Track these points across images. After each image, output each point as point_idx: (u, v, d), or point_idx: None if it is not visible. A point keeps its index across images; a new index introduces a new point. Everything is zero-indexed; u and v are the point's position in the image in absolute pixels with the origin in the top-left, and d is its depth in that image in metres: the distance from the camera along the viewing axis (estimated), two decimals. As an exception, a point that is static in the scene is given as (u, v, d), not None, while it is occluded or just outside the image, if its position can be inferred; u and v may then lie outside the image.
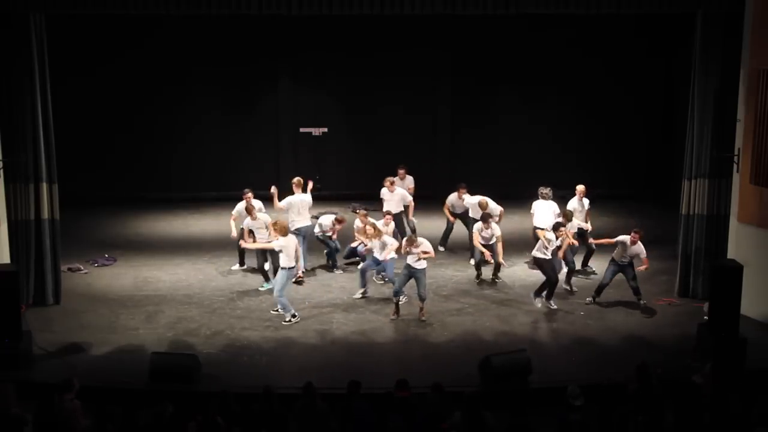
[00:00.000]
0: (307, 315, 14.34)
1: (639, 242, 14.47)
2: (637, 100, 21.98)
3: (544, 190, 16.51)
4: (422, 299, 14.14)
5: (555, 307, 14.57)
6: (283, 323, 13.93)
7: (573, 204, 16.27)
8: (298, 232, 15.43)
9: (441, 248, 17.44)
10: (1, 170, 14.17)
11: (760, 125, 13.74)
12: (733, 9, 14.10)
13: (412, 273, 14.05)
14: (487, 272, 15.97)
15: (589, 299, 14.92)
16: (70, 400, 10.04)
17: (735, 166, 14.50)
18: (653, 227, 17.86)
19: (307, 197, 16.05)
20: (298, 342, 13.42)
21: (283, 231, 14.06)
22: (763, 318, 14.16)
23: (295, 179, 16.17)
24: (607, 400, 10.32)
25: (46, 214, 14.48)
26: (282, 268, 13.97)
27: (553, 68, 21.50)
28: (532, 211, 16.57)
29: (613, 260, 14.69)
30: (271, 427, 9.92)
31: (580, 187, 16.44)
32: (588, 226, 16.24)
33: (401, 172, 17.86)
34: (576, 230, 15.61)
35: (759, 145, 13.79)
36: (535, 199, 16.54)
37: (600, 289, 14.84)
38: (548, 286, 14.60)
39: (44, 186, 14.39)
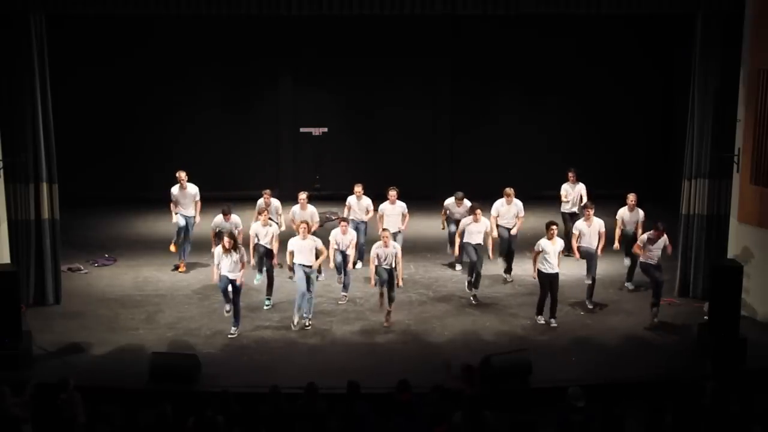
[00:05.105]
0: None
1: (664, 236, 13.99)
2: (637, 100, 21.95)
3: (570, 173, 16.69)
4: (391, 300, 13.90)
5: (555, 325, 13.95)
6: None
7: (624, 214, 15.41)
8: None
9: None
10: (1, 170, 14.17)
11: (760, 125, 13.76)
12: (732, 9, 14.11)
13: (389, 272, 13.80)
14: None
15: (655, 309, 13.94)
16: (66, 397, 10.05)
17: (735, 166, 14.50)
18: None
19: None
20: (299, 342, 13.42)
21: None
22: (763, 318, 14.17)
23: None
24: (607, 400, 10.32)
25: (46, 214, 14.48)
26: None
27: (552, 69, 21.45)
28: (565, 197, 16.79)
29: (642, 263, 14.13)
30: (276, 428, 9.90)
31: (631, 196, 15.38)
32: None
33: (392, 194, 15.91)
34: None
35: (759, 145, 13.80)
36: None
37: (656, 294, 14.02)
38: (540, 301, 14.12)
39: (44, 186, 14.40)
